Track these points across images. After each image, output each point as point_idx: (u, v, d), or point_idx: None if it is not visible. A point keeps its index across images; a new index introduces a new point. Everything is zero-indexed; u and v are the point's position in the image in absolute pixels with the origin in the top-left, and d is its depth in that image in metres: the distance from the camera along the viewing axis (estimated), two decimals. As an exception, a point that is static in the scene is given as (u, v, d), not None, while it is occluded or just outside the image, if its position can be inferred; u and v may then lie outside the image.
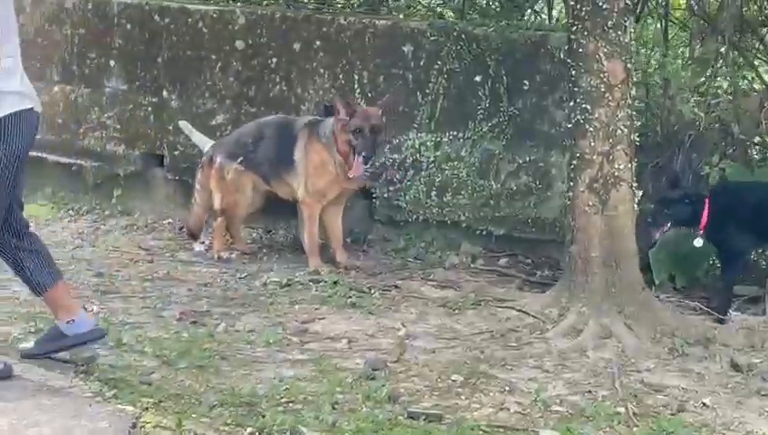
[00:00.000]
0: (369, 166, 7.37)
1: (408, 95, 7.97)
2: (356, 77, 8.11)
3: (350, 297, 6.90)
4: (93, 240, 8.22)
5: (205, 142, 8.15)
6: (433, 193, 7.88)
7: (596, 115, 6.33)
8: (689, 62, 7.92)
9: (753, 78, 7.97)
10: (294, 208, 7.73)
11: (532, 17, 8.73)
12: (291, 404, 5.13)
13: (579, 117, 6.37)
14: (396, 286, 7.16)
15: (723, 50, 7.57)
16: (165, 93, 8.80)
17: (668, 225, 6.89)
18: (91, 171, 9.09)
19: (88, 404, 4.78)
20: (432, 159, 7.88)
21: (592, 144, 6.35)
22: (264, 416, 4.93)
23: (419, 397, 5.35)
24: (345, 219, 7.81)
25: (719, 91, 7.66)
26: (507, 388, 5.50)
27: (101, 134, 9.08)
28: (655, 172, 7.56)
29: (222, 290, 7.06)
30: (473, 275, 7.41)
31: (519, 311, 6.57)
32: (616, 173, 6.34)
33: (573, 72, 6.39)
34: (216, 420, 4.85)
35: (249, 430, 4.79)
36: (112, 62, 9.02)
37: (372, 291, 7.05)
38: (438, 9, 9.01)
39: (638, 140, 6.51)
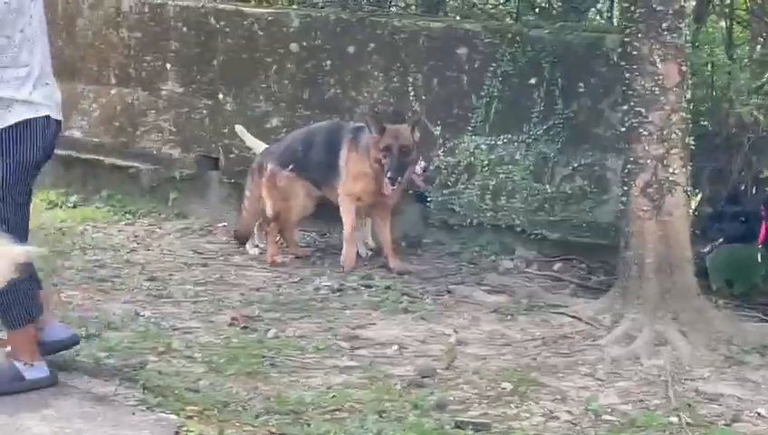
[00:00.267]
0: (396, 186, 7.33)
1: (462, 98, 7.92)
2: (410, 80, 8.08)
3: (402, 302, 6.85)
4: (148, 244, 8.23)
5: (258, 147, 8.15)
6: (487, 196, 7.81)
7: (650, 119, 6.25)
8: (748, 62, 7.79)
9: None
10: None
11: (598, 17, 8.64)
12: (337, 412, 5.10)
13: (633, 120, 6.30)
14: (449, 291, 7.10)
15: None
16: (220, 96, 8.82)
17: (720, 240, 6.79)
18: (148, 174, 9.13)
19: (131, 413, 4.79)
20: (486, 162, 7.83)
21: (646, 148, 6.26)
22: (308, 424, 4.91)
23: (468, 405, 5.29)
24: (399, 223, 7.79)
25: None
26: (558, 396, 5.42)
27: (158, 137, 9.12)
28: (713, 176, 7.44)
29: (274, 295, 7.04)
30: (527, 280, 7.33)
31: (572, 317, 6.50)
32: (670, 178, 6.25)
33: (627, 75, 6.32)
34: (260, 429, 4.84)
35: (292, 438, 4.77)
36: (168, 66, 9.06)
37: (425, 296, 7.00)
38: (492, 11, 8.96)
39: (693, 143, 6.41)
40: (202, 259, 7.82)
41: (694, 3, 8.23)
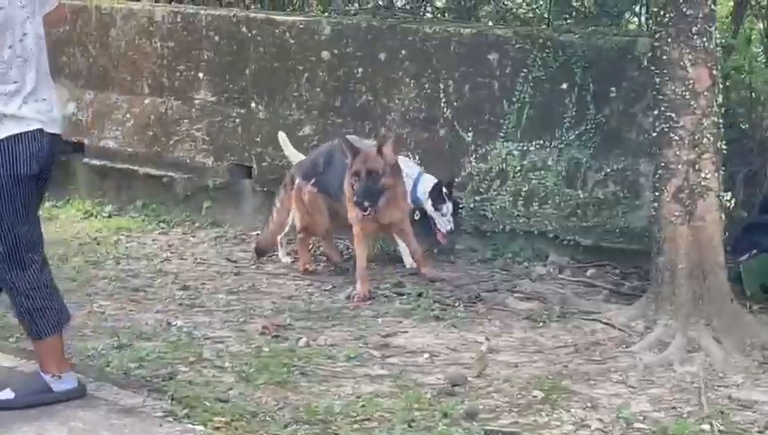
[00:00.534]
0: (368, 212, 7.12)
1: (494, 104, 7.90)
2: (441, 86, 8.06)
3: (434, 310, 6.83)
4: (182, 252, 8.26)
5: (295, 158, 8.10)
6: (519, 202, 7.79)
7: (681, 123, 6.19)
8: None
9: None
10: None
11: (635, 19, 8.59)
12: (366, 422, 5.07)
13: (663, 125, 6.24)
14: (480, 298, 7.07)
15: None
16: (252, 105, 8.84)
17: (754, 252, 6.72)
18: (181, 183, 9.16)
19: (159, 424, 4.78)
20: (518, 168, 7.80)
21: (677, 153, 6.21)
22: (337, 434, 4.89)
23: (498, 414, 5.25)
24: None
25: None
26: (589, 404, 5.37)
27: (191, 146, 9.15)
28: (748, 179, 7.38)
29: (305, 303, 7.04)
30: (559, 286, 7.28)
31: (605, 323, 6.46)
32: (702, 182, 6.19)
33: (658, 80, 6.27)
34: (288, 439, 4.84)
35: (320, 448, 4.77)
36: (201, 75, 9.09)
37: (457, 303, 6.97)
38: (529, 15, 8.92)
39: (725, 148, 6.35)
40: (235, 268, 7.84)
41: (731, 3, 8.19)
